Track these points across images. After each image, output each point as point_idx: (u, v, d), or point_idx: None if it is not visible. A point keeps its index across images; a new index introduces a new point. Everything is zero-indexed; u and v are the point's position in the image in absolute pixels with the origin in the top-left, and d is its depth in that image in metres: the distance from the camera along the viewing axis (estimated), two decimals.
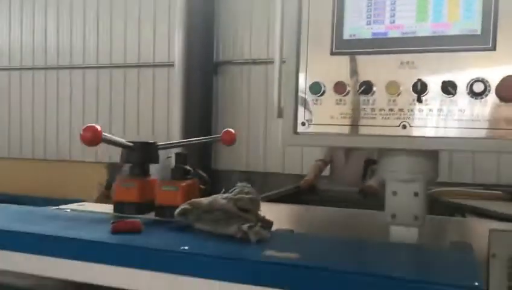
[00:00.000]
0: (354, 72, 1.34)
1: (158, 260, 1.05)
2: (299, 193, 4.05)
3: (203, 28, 6.84)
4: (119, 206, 1.45)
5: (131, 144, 1.49)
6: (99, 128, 1.34)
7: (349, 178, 4.41)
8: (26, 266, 1.19)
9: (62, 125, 8.32)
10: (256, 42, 7.04)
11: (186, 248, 1.04)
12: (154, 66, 7.66)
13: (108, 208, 1.57)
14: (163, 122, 7.57)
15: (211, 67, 7.04)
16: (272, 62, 5.74)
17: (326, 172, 4.79)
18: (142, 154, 1.49)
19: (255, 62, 7.01)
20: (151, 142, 1.54)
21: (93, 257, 1.11)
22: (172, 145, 1.73)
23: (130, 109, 7.89)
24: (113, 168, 8.12)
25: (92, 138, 1.31)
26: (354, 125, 1.34)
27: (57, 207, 1.65)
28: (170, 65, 7.34)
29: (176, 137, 6.89)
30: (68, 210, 1.57)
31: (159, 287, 1.06)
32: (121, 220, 1.23)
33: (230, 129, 1.68)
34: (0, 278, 1.42)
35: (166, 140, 6.55)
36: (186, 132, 6.82)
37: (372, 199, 3.74)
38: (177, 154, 1.49)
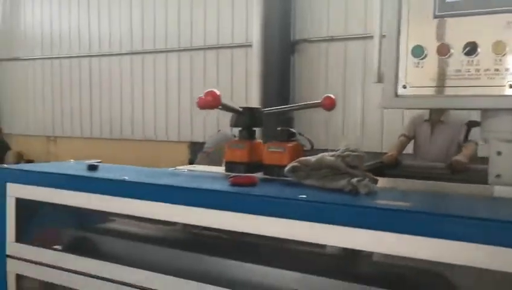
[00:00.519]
0: (457, 33, 1.36)
1: (277, 207, 1.17)
2: (382, 167, 4.04)
3: (280, 7, 6.89)
4: (229, 166, 1.59)
5: (240, 109, 1.62)
6: (218, 93, 1.48)
7: (434, 153, 4.31)
8: (157, 214, 1.36)
9: (148, 106, 8.81)
10: (333, 19, 6.98)
11: (304, 196, 1.15)
12: (233, 47, 7.85)
13: (217, 169, 1.72)
14: (242, 103, 7.77)
15: (289, 47, 7.10)
16: (351, 38, 5.76)
17: (409, 149, 4.72)
18: (249, 119, 1.61)
19: (333, 39, 6.97)
20: (256, 108, 1.66)
21: (216, 205, 1.25)
22: (276, 110, 1.84)
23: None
24: (194, 147, 8.52)
25: (213, 102, 1.45)
26: (457, 87, 1.37)
27: (174, 168, 1.82)
28: (248, 46, 7.49)
29: None
30: (185, 170, 1.74)
31: (276, 231, 1.17)
32: (238, 175, 1.36)
33: (330, 95, 1.75)
34: (128, 227, 1.63)
35: None
36: (263, 105, 6.96)
37: (460, 174, 3.65)
38: (283, 118, 1.59)
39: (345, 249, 1.25)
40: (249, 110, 1.64)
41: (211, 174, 1.60)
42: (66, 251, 1.55)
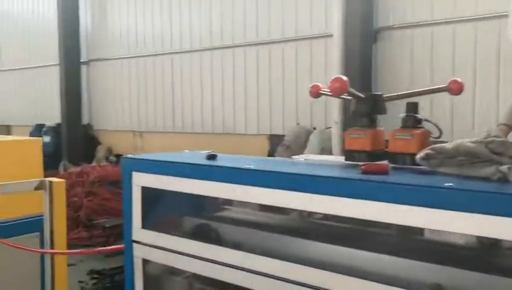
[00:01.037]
0: None
1: (419, 195, 1.12)
2: None
3: None
4: (350, 155, 1.55)
5: (363, 96, 1.57)
6: (345, 79, 1.45)
7: None
8: (286, 202, 1.36)
9: (227, 101, 8.98)
10: (418, 4, 6.67)
11: (450, 184, 1.09)
12: (312, 38, 7.77)
13: (335, 158, 1.69)
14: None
15: (371, 35, 6.90)
16: (438, 24, 5.42)
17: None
18: (370, 106, 1.57)
19: (418, 25, 6.67)
20: (379, 94, 1.61)
21: (348, 193, 1.22)
22: (398, 96, 1.77)
23: (288, 83, 8.16)
24: (273, 140, 8.57)
25: (340, 88, 1.42)
26: None
27: (290, 157, 1.82)
28: (328, 36, 7.37)
29: (335, 110, 6.95)
30: (302, 159, 1.73)
31: (418, 221, 1.12)
32: (370, 163, 1.33)
33: (457, 79, 1.66)
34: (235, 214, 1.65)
35: (324, 114, 6.65)
36: (345, 103, 6.83)
37: None
38: (408, 104, 1.53)
39: (483, 240, 1.18)
40: (372, 97, 1.59)
41: (331, 163, 1.57)
42: (189, 237, 1.60)
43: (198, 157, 1.66)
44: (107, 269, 5.34)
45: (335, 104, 6.97)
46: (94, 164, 9.43)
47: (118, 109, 10.85)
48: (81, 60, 11.25)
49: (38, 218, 3.19)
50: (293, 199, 1.29)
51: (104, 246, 6.05)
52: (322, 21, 7.57)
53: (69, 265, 3.20)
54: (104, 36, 11.02)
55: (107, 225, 6.00)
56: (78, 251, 3.21)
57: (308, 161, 1.67)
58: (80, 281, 4.99)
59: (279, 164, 1.56)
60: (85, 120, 11.38)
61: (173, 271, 1.55)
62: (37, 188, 2.09)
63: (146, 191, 1.59)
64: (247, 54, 8.63)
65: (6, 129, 13.42)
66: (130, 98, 10.57)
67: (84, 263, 5.36)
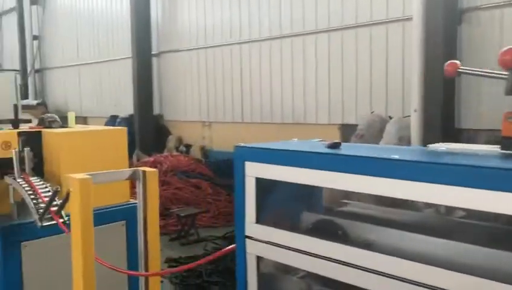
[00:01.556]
0: None
1: None
2: None
3: None
4: (507, 142, 1.32)
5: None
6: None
7: None
8: (424, 196, 1.18)
9: (297, 90, 8.79)
10: None
11: None
12: (388, 22, 7.38)
13: (482, 147, 1.44)
14: (398, 84, 7.30)
15: (455, 16, 6.42)
16: None
17: None
18: None
19: (508, 4, 6.11)
20: None
21: None
22: None
23: (361, 70, 7.84)
24: (345, 129, 8.29)
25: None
26: None
27: (426, 145, 1.58)
28: (406, 19, 6.97)
29: (415, 97, 6.57)
30: (443, 148, 1.49)
31: None
32: None
33: None
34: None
35: (400, 101, 6.19)
36: (427, 90, 6.44)
37: None
38: None
39: None
40: None
41: (485, 152, 1.34)
42: (308, 233, 1.45)
43: (315, 145, 1.51)
44: (183, 257, 5.38)
45: (414, 90, 6.58)
46: (166, 153, 9.63)
47: (188, 99, 11.00)
48: (152, 53, 11.50)
49: (124, 206, 3.21)
50: (445, 195, 1.10)
51: (180, 233, 6.13)
52: (400, 4, 7.16)
53: None
54: (173, 28, 11.19)
55: (182, 214, 6.07)
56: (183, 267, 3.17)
57: (453, 149, 1.44)
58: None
59: (418, 153, 1.36)
60: (156, 111, 11.66)
61: (286, 269, 1.42)
62: (130, 178, 2.03)
63: (259, 183, 1.47)
64: (319, 41, 8.38)
65: (83, 121, 14.09)
66: (200, 89, 10.67)
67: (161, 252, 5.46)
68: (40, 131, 3.02)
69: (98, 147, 3.06)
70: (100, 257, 3.03)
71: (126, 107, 12.10)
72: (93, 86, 13.89)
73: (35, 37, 15.95)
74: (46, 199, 2.62)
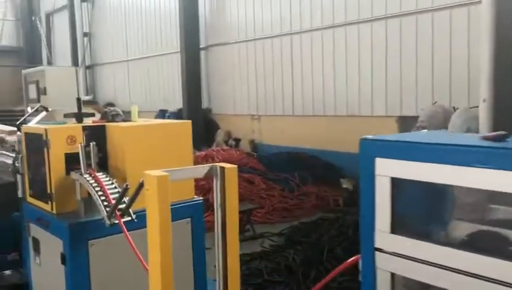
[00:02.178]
0: None
1: None
2: None
3: None
4: None
5: None
6: None
7: None
8: None
9: (351, 81, 8.46)
10: None
11: None
12: (451, 7, 6.92)
13: None
14: (463, 70, 6.84)
15: None
16: None
17: None
18: None
19: None
20: None
21: None
22: None
23: (422, 59, 7.41)
24: (404, 122, 7.89)
25: None
26: None
27: None
28: (471, 3, 6.51)
29: (484, 86, 6.10)
30: None
31: None
32: None
33: None
34: None
35: (466, 91, 5.73)
36: (498, 78, 5.96)
37: None
38: None
39: None
40: None
41: None
42: (465, 248, 1.18)
43: (467, 137, 1.25)
44: (241, 254, 5.23)
45: (483, 79, 6.11)
46: (215, 147, 9.53)
47: (236, 92, 10.87)
48: (200, 46, 11.43)
49: (189, 203, 3.07)
50: None
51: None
52: None
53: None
54: (221, 21, 11.06)
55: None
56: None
57: None
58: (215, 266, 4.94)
59: None
60: (204, 105, 11.60)
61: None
62: (207, 175, 1.86)
63: (394, 184, 1.23)
64: (375, 29, 8.01)
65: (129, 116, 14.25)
66: (248, 82, 10.51)
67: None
68: (104, 125, 2.92)
69: (163, 141, 2.92)
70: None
71: (175, 101, 12.13)
72: (142, 81, 14.02)
73: (85, 34, 16.29)
74: (113, 196, 2.51)
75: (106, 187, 2.54)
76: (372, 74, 8.13)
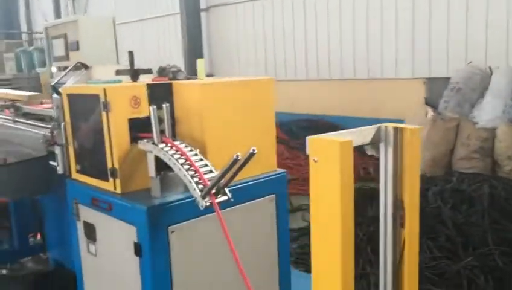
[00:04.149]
0: None
1: None
2: None
3: None
4: None
5: None
6: None
7: None
8: None
9: (372, 39, 7.92)
10: None
11: None
12: None
13: None
14: (502, 27, 6.37)
15: None
16: None
17: None
18: None
19: None
20: None
21: None
22: None
23: (454, 14, 6.90)
24: (432, 84, 7.43)
25: None
26: None
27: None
28: None
29: None
30: None
31: None
32: None
33: None
34: None
35: (504, 50, 5.18)
36: None
37: None
38: None
39: None
40: None
41: None
42: None
43: None
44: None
45: None
46: None
47: (242, 57, 10.24)
48: (201, 8, 10.67)
49: (272, 177, 2.57)
50: None
51: None
52: None
53: None
54: None
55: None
56: None
57: None
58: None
59: None
60: (207, 70, 10.91)
61: None
62: (373, 140, 1.35)
63: None
64: None
65: None
66: (256, 45, 9.86)
67: None
68: (171, 83, 2.36)
69: (246, 102, 2.40)
70: (248, 240, 2.42)
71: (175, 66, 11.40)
72: (135, 46, 13.17)
73: None
74: (202, 169, 1.99)
75: (192, 159, 2.02)
76: (396, 31, 7.60)
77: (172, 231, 2.11)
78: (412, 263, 1.46)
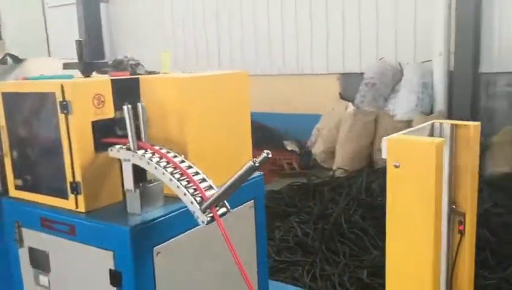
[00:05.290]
0: None
1: None
2: None
3: None
4: None
5: None
6: None
7: None
8: None
9: (288, 37, 7.96)
10: None
11: None
12: None
13: None
14: (409, 23, 6.77)
15: None
16: None
17: None
18: None
19: None
20: None
21: None
22: None
23: (366, 11, 7.17)
24: (345, 79, 7.65)
25: None
26: None
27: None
28: None
29: (439, 40, 6.11)
30: None
31: None
32: None
33: None
34: None
35: (412, 47, 5.57)
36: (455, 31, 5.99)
37: None
38: None
39: None
40: None
41: None
42: None
43: None
44: None
45: (439, 32, 6.09)
46: None
47: (148, 50, 9.67)
48: None
49: (251, 180, 2.33)
50: None
51: None
52: None
53: None
54: None
55: None
56: None
57: None
58: None
59: None
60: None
61: None
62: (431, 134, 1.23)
63: None
64: None
65: None
66: (166, 36, 9.33)
67: None
68: (138, 78, 2.02)
69: (223, 98, 2.14)
70: (228, 251, 2.18)
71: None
72: None
73: None
74: (196, 178, 1.71)
75: (182, 167, 1.72)
76: (311, 29, 7.72)
77: (158, 253, 1.79)
78: (467, 271, 1.36)
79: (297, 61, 7.95)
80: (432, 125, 1.28)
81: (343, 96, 7.48)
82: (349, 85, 7.43)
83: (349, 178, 5.04)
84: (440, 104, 6.14)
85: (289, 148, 7.45)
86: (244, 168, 1.55)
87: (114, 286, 1.75)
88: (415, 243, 1.07)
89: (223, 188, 1.60)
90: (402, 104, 6.19)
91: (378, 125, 6.31)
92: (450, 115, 6.05)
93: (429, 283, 1.05)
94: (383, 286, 2.92)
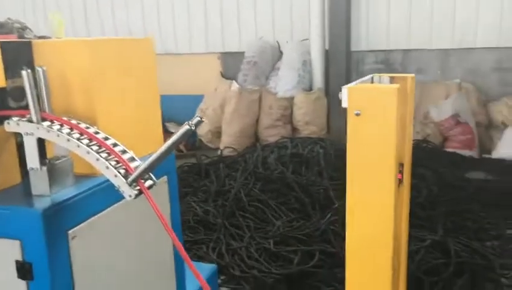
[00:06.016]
0: None
1: None
2: None
3: None
4: None
5: None
6: None
7: None
8: None
9: (164, 16, 7.69)
10: None
11: None
12: None
13: None
14: (285, 3, 6.99)
15: None
16: None
17: None
18: None
19: None
20: None
21: None
22: None
23: None
24: (226, 58, 7.65)
25: None
26: None
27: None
28: None
29: (316, 20, 6.43)
30: None
31: None
32: None
33: None
34: None
35: (289, 25, 5.89)
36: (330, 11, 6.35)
37: None
38: None
39: None
40: None
41: None
42: None
43: None
44: None
45: (315, 12, 6.40)
46: None
47: None
48: None
49: None
50: None
51: None
52: None
53: None
54: None
55: None
56: None
57: None
58: None
59: None
60: None
61: None
62: None
63: None
64: None
65: None
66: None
67: None
68: (30, 42, 1.75)
69: (129, 67, 1.96)
70: (147, 233, 2.05)
71: None
72: None
73: None
74: (116, 149, 1.55)
75: (99, 138, 1.54)
76: (189, 8, 7.56)
77: (74, 237, 1.59)
78: (404, 215, 1.43)
79: (175, 40, 7.74)
80: (372, 79, 1.32)
81: (224, 76, 7.49)
82: (230, 64, 7.46)
83: (241, 155, 5.07)
84: (318, 81, 6.48)
85: (172, 130, 7.26)
86: (180, 132, 1.43)
87: (24, 280, 1.52)
88: (376, 189, 1.09)
89: (154, 157, 1.47)
90: (284, 82, 6.40)
91: (261, 103, 6.45)
92: (327, 91, 6.43)
93: (389, 230, 1.08)
94: (291, 252, 3.03)
